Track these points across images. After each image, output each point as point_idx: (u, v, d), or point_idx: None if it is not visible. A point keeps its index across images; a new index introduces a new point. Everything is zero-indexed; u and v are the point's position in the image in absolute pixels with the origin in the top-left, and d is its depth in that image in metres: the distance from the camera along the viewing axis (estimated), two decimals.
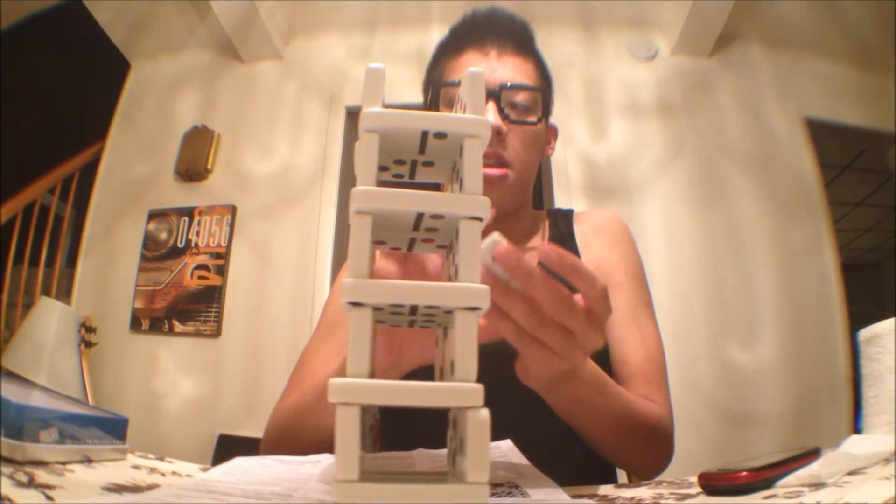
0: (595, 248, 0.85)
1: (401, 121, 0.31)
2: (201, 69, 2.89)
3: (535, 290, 0.41)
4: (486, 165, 0.75)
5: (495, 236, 0.38)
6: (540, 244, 0.42)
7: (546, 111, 0.81)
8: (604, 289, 0.43)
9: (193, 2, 2.66)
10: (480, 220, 0.29)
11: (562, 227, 0.88)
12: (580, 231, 0.87)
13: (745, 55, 2.68)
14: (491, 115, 0.73)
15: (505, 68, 0.79)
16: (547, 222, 0.91)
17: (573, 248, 0.85)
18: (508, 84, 0.77)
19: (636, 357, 0.75)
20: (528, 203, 0.89)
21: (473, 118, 0.31)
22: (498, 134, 0.75)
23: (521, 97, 0.78)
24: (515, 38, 0.82)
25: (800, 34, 2.65)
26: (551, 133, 0.89)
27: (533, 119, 0.78)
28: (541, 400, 0.77)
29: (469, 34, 0.82)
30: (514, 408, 0.69)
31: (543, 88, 0.81)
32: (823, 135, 2.57)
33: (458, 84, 0.76)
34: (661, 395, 0.73)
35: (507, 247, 0.39)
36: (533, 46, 0.84)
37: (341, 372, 0.79)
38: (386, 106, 0.32)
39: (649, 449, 0.68)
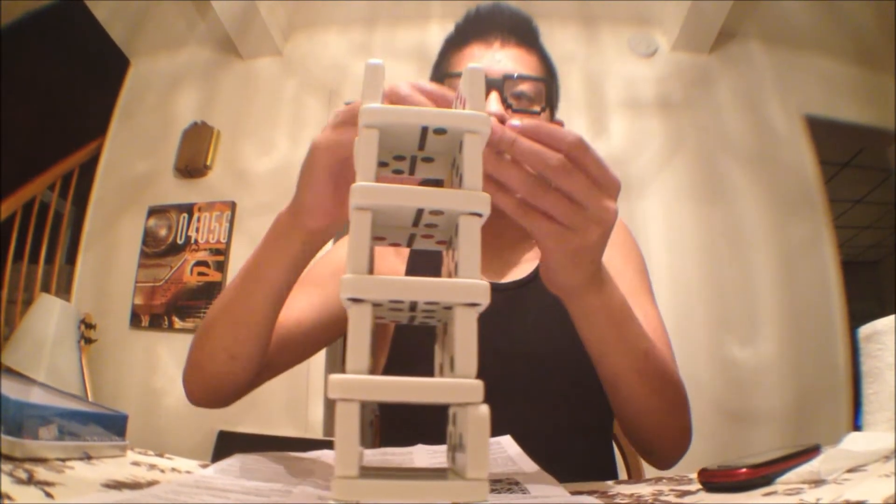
0: None
1: (400, 116, 0.31)
2: (201, 66, 2.88)
3: (523, 156, 0.40)
4: None
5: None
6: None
7: (550, 102, 0.80)
8: (579, 139, 0.42)
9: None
10: (480, 215, 0.29)
11: None
12: None
13: (745, 52, 2.68)
14: (494, 104, 0.71)
15: (508, 59, 0.78)
16: None
17: None
18: (513, 74, 0.76)
19: None
20: None
21: (473, 114, 0.31)
22: (500, 123, 0.74)
23: (524, 87, 0.76)
24: (519, 31, 0.81)
25: (800, 31, 2.65)
26: None
27: (536, 109, 0.77)
28: (541, 399, 0.77)
29: (473, 28, 0.82)
30: (515, 404, 0.69)
31: (547, 79, 0.80)
32: (823, 132, 2.57)
33: (460, 75, 0.76)
34: None
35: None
36: (537, 40, 0.84)
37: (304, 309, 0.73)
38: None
39: (673, 407, 0.65)
